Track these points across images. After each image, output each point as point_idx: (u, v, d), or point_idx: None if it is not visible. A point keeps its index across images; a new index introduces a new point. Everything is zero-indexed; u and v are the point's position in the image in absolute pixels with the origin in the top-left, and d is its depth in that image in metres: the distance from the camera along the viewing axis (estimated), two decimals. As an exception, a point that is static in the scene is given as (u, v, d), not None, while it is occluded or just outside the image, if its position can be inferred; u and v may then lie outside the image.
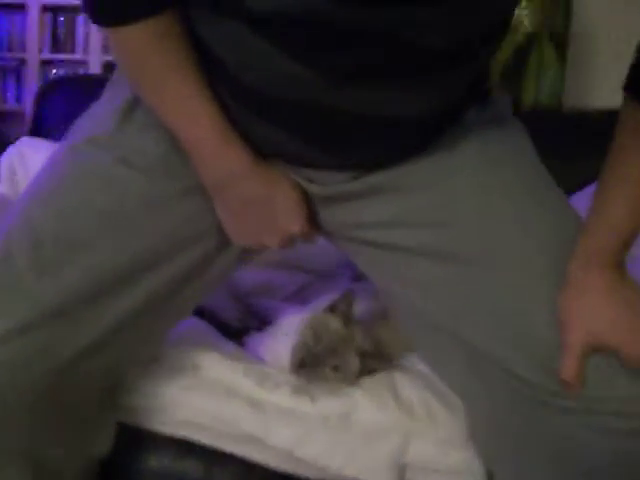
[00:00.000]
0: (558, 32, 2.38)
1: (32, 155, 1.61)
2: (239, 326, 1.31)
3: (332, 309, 1.13)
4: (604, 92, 2.09)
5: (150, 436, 1.07)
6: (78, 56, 4.28)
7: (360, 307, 1.20)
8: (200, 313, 1.25)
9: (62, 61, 4.26)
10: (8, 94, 4.33)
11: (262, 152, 0.91)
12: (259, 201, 0.92)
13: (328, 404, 1.05)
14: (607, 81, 1.67)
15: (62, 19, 4.24)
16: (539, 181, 0.94)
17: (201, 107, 0.86)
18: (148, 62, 0.84)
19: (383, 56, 0.76)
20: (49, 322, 0.83)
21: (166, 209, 0.94)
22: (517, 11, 2.48)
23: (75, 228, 0.89)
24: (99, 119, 0.99)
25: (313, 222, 0.98)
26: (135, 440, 1.07)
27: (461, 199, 0.91)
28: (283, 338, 1.12)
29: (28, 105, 3.96)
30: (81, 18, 4.19)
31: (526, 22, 2.44)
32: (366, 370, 1.10)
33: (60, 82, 2.16)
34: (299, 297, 1.44)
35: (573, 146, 1.79)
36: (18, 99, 4.32)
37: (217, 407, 1.05)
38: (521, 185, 0.92)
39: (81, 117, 1.02)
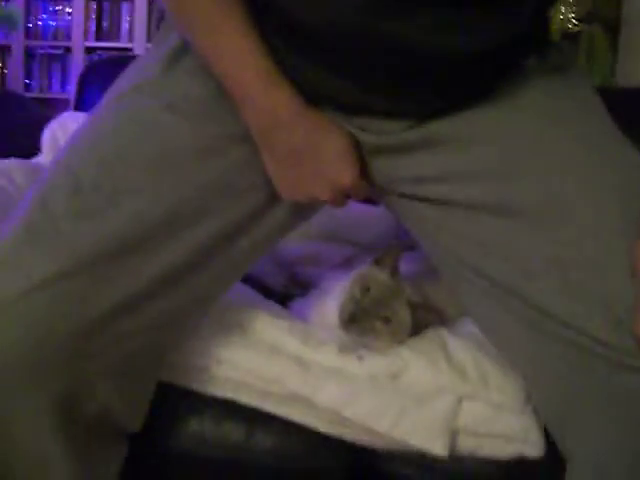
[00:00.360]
0: (609, 17, 2.31)
1: (74, 126, 1.59)
2: (284, 292, 1.28)
3: (378, 262, 1.09)
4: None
5: (190, 396, 1.04)
6: (123, 44, 4.32)
7: (408, 269, 1.15)
8: (244, 279, 1.22)
9: (107, 49, 4.30)
10: (53, 81, 4.39)
11: (312, 99, 0.88)
12: (307, 149, 0.87)
13: (376, 363, 1.01)
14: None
15: (107, 6, 4.28)
16: (606, 133, 0.89)
17: (248, 47, 0.83)
18: (197, 1, 0.83)
19: None
20: (87, 270, 0.79)
21: (213, 157, 0.90)
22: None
23: (118, 174, 0.86)
24: (145, 67, 0.97)
25: (365, 175, 0.93)
26: (174, 400, 1.04)
27: (524, 152, 0.86)
28: (330, 298, 1.08)
29: (73, 93, 4.00)
30: (126, 5, 4.23)
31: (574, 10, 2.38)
32: (417, 324, 1.06)
33: (102, 64, 2.16)
34: (345, 267, 1.40)
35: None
36: (63, 87, 4.39)
37: (262, 365, 1.02)
38: (588, 138, 0.87)
39: (127, 68, 1.00)
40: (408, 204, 0.96)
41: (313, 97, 0.88)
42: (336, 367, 1.01)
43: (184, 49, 0.93)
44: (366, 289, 1.05)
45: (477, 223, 0.88)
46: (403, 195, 0.95)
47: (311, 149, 0.88)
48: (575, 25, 2.32)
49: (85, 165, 0.87)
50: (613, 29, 2.34)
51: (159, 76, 0.93)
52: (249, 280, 1.23)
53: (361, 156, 0.91)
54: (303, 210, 1.00)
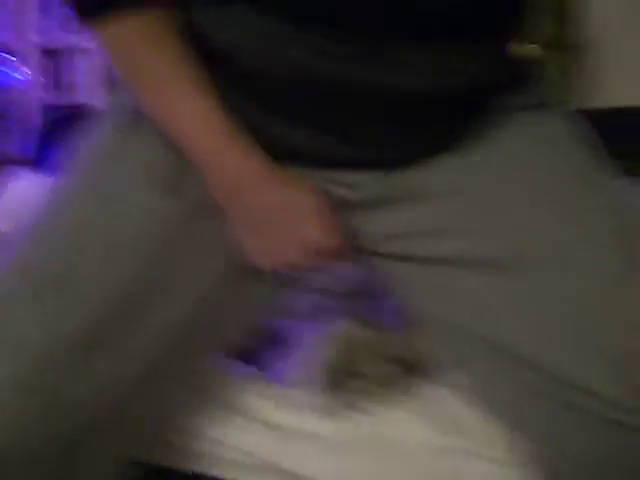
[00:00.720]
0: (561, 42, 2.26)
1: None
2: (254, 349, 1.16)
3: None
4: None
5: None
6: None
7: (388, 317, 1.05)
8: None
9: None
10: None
11: (277, 155, 0.80)
12: (276, 210, 0.79)
13: (365, 426, 0.90)
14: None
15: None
16: (589, 174, 0.82)
17: (203, 106, 0.77)
18: (143, 62, 0.77)
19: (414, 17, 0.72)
20: (56, 371, 0.74)
21: (178, 231, 0.81)
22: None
23: (75, 265, 0.78)
24: (103, 134, 0.87)
25: (339, 233, 0.82)
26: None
27: (505, 202, 0.79)
28: (302, 356, 0.97)
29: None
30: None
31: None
32: (403, 379, 0.96)
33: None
34: (314, 319, 1.29)
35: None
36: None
37: (233, 434, 0.90)
38: (570, 181, 0.80)
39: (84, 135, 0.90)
40: (387, 264, 0.87)
41: (278, 153, 0.80)
42: (320, 433, 0.89)
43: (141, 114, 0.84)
44: (346, 348, 0.96)
45: (465, 280, 0.79)
46: (381, 254, 0.86)
47: (279, 209, 0.80)
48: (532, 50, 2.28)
49: (44, 265, 0.79)
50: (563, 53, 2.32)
51: (120, 144, 0.84)
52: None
53: (334, 213, 0.82)
54: (285, 278, 0.90)
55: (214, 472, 0.90)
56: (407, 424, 0.90)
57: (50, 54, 4.09)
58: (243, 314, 0.88)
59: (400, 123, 0.78)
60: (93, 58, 4.05)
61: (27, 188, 1.54)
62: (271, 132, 0.79)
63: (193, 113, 0.76)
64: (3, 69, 3.96)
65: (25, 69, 4.07)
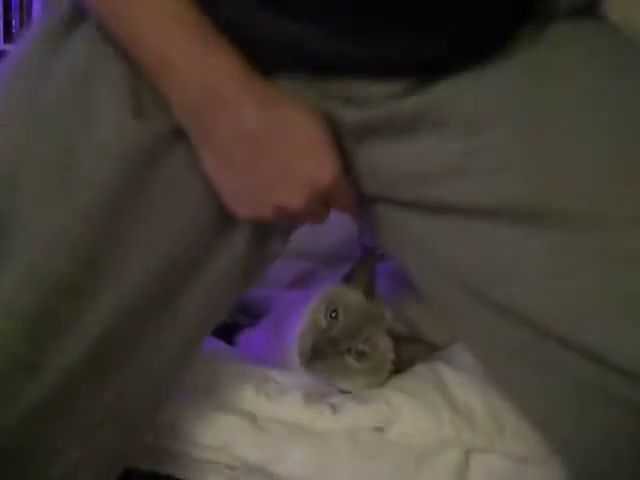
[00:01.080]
0: None
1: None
2: (227, 322, 1.02)
3: (348, 279, 0.85)
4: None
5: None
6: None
7: (383, 286, 0.90)
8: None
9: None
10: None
11: (265, 64, 0.63)
12: (264, 136, 0.61)
13: (356, 414, 0.76)
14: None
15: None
16: None
17: (174, 6, 0.60)
18: None
19: None
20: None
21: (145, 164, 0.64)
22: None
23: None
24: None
25: (347, 172, 0.66)
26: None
27: (556, 136, 0.63)
28: (286, 328, 0.82)
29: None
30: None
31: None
32: (402, 358, 0.82)
33: None
34: (300, 287, 1.14)
35: None
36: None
37: (205, 426, 0.75)
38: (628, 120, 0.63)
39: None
40: (398, 214, 0.70)
41: (266, 59, 0.62)
42: (302, 424, 0.75)
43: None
44: (333, 314, 0.80)
45: (496, 235, 0.64)
46: (392, 200, 0.69)
47: (269, 136, 0.61)
48: None
49: None
50: None
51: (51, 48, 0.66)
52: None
53: (338, 143, 0.64)
54: (266, 235, 0.72)
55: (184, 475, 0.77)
56: (405, 412, 0.76)
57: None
58: (213, 287, 0.69)
59: (433, 15, 0.61)
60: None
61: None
62: (258, 24, 0.62)
63: (159, 12, 0.60)
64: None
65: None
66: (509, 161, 0.62)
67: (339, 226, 1.27)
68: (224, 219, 0.66)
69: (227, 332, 0.96)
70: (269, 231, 0.71)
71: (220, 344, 0.89)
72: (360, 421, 0.75)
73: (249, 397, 0.77)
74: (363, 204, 0.70)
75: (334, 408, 0.76)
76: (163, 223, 0.64)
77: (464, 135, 0.63)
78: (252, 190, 0.63)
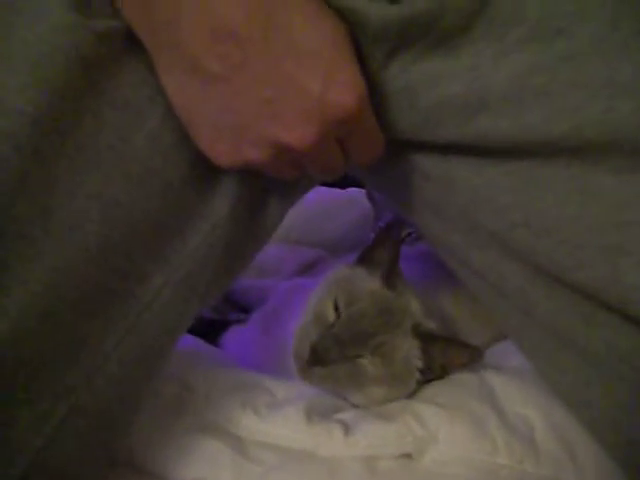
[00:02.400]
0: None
1: None
2: (215, 318, 0.83)
3: (364, 260, 0.65)
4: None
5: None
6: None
7: (408, 275, 0.71)
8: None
9: None
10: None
11: None
12: (255, 37, 0.42)
13: (375, 437, 0.56)
14: None
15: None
16: None
17: None
18: None
19: None
20: None
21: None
22: None
23: None
24: None
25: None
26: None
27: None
28: (283, 323, 0.64)
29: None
30: None
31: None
32: (434, 368, 0.63)
33: None
34: (305, 277, 0.95)
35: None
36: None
37: (176, 454, 0.56)
38: None
39: None
40: (438, 161, 0.52)
41: None
42: (304, 449, 0.56)
43: None
44: (343, 305, 0.61)
45: (539, 183, 0.49)
46: (435, 144, 0.51)
47: (265, 41, 0.42)
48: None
49: None
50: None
51: None
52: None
53: (361, 56, 0.47)
54: (259, 199, 0.55)
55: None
56: (444, 434, 0.57)
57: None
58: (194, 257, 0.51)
59: None
60: None
61: None
62: None
63: None
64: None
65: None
66: (589, 78, 0.45)
67: (351, 208, 1.09)
68: (199, 170, 0.48)
69: (211, 329, 0.78)
70: (262, 194, 0.54)
71: (200, 343, 0.70)
72: (381, 445, 0.56)
73: (234, 414, 0.57)
74: (389, 149, 0.51)
75: (346, 428, 0.57)
76: (111, 171, 0.45)
77: (538, 41, 0.46)
78: (237, 121, 0.45)
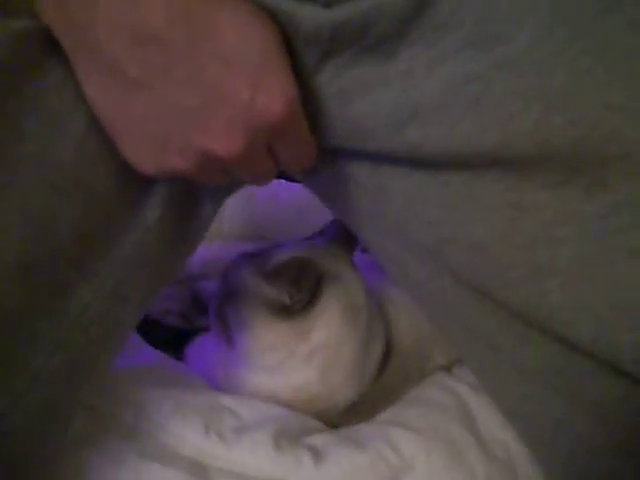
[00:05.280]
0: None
1: None
2: (181, 326, 0.79)
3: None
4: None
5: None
6: None
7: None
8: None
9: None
10: None
11: None
12: (176, 39, 0.40)
13: (347, 463, 0.52)
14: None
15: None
16: None
17: None
18: None
19: None
20: None
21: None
22: None
23: None
24: None
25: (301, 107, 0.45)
26: None
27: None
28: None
29: None
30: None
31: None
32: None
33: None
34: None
35: None
36: None
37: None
38: None
39: None
40: (369, 170, 0.50)
41: None
42: (272, 478, 0.52)
43: None
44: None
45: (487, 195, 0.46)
46: (367, 153, 0.48)
47: (188, 43, 0.40)
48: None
49: None
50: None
51: None
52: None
53: (292, 61, 0.43)
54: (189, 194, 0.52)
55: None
56: (420, 458, 0.53)
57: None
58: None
59: None
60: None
61: None
62: None
63: None
64: None
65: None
66: (523, 88, 0.42)
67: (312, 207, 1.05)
68: (127, 178, 0.45)
69: (177, 339, 0.74)
70: (193, 195, 0.52)
71: (160, 358, 0.65)
72: (354, 473, 0.52)
73: (194, 438, 0.53)
74: (321, 156, 0.49)
75: (317, 454, 0.53)
76: (33, 183, 0.42)
77: (475, 48, 0.43)
78: (160, 129, 0.42)
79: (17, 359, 0.42)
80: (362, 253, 0.80)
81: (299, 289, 0.59)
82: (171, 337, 0.75)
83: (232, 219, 0.99)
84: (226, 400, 0.58)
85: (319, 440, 0.55)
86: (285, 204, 1.05)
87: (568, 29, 0.42)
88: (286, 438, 0.54)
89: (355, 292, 0.64)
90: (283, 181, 1.08)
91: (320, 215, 1.04)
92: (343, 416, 0.63)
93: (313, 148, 0.46)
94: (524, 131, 0.42)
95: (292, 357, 0.60)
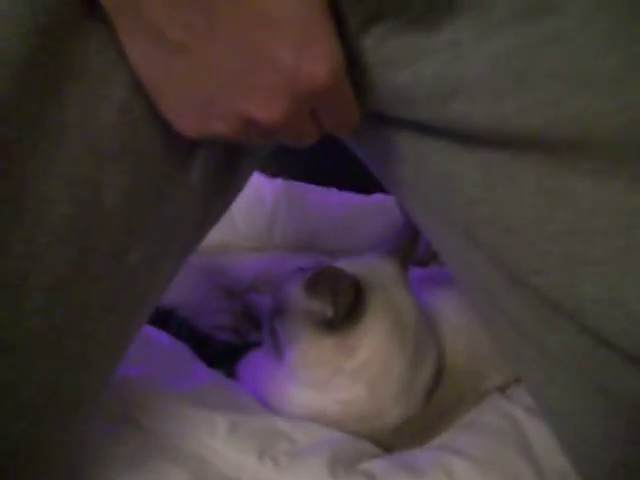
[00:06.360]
0: None
1: None
2: (234, 341, 0.79)
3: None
4: None
5: None
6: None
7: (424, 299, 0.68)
8: (164, 318, 0.74)
9: None
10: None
11: None
12: (217, 1, 0.39)
13: None
14: None
15: None
16: None
17: None
18: None
19: None
20: None
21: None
22: None
23: None
24: None
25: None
26: None
27: None
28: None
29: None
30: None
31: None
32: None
33: None
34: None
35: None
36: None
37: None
38: None
39: None
40: (412, 140, 0.49)
41: None
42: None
43: None
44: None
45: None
46: (412, 123, 0.48)
47: (230, 5, 0.39)
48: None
49: None
50: None
51: None
52: (171, 326, 0.75)
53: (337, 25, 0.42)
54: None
55: None
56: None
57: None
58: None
59: None
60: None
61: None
62: None
63: None
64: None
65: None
66: (572, 68, 0.41)
67: (376, 216, 1.04)
68: (172, 139, 0.45)
69: (229, 356, 0.74)
70: (234, 154, 0.52)
71: (214, 378, 0.65)
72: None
73: (250, 465, 0.53)
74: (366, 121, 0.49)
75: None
76: (79, 149, 0.42)
77: (524, 20, 0.42)
78: (203, 93, 0.42)
79: (66, 325, 0.43)
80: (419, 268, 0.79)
81: (337, 300, 0.59)
82: (224, 352, 0.75)
83: (283, 230, 1.00)
84: (280, 423, 0.58)
85: (374, 466, 0.55)
86: (336, 214, 1.04)
87: (622, 7, 0.40)
88: (341, 464, 0.54)
89: (404, 309, 0.64)
90: (334, 190, 1.08)
91: (371, 225, 1.04)
92: (395, 437, 0.62)
93: (357, 113, 0.45)
94: (570, 115, 0.41)
95: (339, 373, 0.60)
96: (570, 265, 0.44)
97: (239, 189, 0.57)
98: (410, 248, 0.70)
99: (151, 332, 0.69)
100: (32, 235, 0.41)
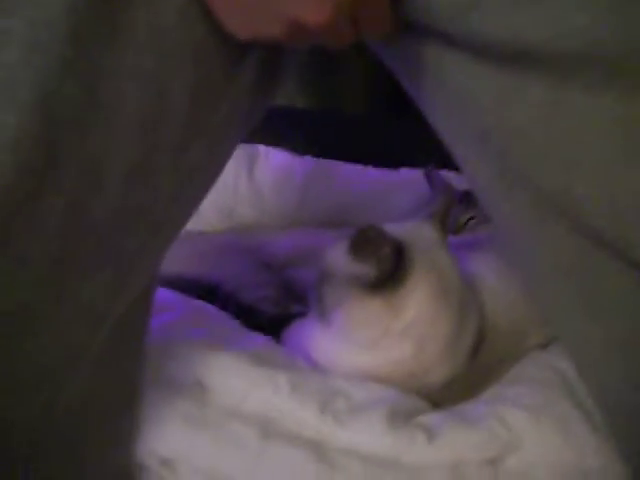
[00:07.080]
0: None
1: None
2: (277, 312, 0.81)
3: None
4: None
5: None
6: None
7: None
8: (211, 293, 0.76)
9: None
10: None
11: None
12: None
13: (461, 441, 0.54)
14: None
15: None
16: None
17: None
18: None
19: None
20: None
21: None
22: None
23: None
24: None
25: None
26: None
27: None
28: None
29: None
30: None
31: None
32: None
33: None
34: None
35: None
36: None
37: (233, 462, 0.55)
38: None
39: None
40: (439, 52, 0.51)
41: None
42: (386, 457, 0.54)
43: None
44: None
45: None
46: (440, 35, 0.49)
47: None
48: None
49: None
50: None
51: None
52: (220, 294, 0.77)
53: None
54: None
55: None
56: (530, 434, 0.55)
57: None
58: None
59: None
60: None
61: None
62: None
63: None
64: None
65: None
66: None
67: (403, 191, 1.06)
68: (225, 40, 0.48)
69: (273, 325, 0.76)
70: (280, 53, 0.55)
71: (267, 341, 0.68)
72: (467, 450, 0.54)
73: (310, 419, 0.56)
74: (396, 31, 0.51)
75: (429, 433, 0.55)
76: (144, 47, 0.45)
77: None
78: None
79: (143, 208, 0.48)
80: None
81: (380, 261, 0.61)
82: (268, 323, 0.77)
83: (314, 207, 1.02)
84: (337, 381, 0.60)
85: (430, 419, 0.58)
86: (365, 189, 1.06)
87: None
88: (399, 417, 0.56)
89: (447, 270, 0.66)
90: (362, 166, 1.10)
91: (400, 199, 1.06)
92: (442, 394, 0.65)
93: (389, 17, 0.48)
94: (577, 28, 0.43)
95: (387, 333, 0.62)
96: (565, 169, 0.46)
97: (280, 87, 0.59)
98: (446, 213, 0.72)
99: (203, 305, 0.72)
100: (104, 126, 0.44)
